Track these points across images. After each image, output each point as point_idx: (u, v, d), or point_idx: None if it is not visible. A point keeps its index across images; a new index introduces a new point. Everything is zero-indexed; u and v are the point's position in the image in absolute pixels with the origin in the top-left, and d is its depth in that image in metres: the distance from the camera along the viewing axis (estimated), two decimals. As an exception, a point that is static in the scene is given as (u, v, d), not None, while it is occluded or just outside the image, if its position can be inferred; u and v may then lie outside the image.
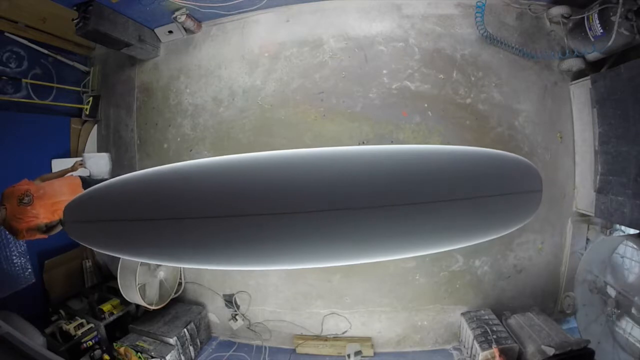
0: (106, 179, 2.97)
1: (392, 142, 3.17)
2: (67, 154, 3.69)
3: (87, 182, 2.77)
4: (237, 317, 3.53)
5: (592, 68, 2.99)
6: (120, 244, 1.27)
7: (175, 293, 3.50)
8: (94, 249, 1.51)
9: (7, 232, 2.31)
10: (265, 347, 3.47)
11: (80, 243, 1.38)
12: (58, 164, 3.42)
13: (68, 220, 1.35)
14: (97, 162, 3.24)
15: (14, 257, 3.06)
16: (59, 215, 2.35)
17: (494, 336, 2.80)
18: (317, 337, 3.41)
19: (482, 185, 1.15)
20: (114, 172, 3.79)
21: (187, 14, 3.36)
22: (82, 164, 2.82)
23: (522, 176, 1.24)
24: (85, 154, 3.71)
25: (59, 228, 2.31)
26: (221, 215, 1.07)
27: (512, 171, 1.24)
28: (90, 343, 2.99)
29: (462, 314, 3.21)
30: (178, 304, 3.59)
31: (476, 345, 2.81)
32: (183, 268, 3.58)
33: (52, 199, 2.36)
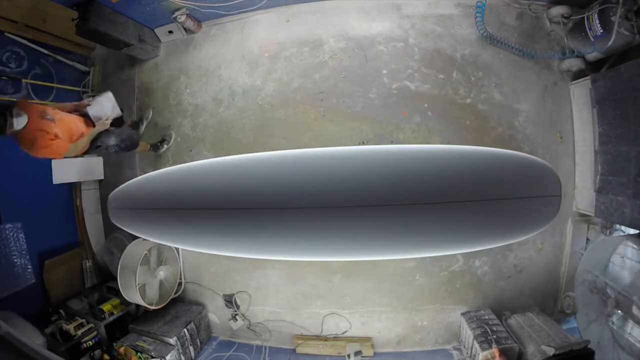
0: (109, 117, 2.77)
1: (392, 142, 3.17)
2: (67, 154, 3.68)
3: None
4: (237, 317, 3.53)
5: (592, 68, 2.99)
6: (153, 229, 1.60)
7: (175, 293, 3.50)
8: (133, 233, 1.75)
9: (19, 145, 2.14)
10: (265, 347, 3.47)
11: (121, 227, 1.68)
12: (58, 164, 3.41)
13: (111, 207, 1.69)
14: (104, 104, 2.86)
15: (14, 257, 3.06)
16: (75, 139, 2.39)
17: (494, 336, 2.80)
18: (317, 337, 3.41)
19: (500, 188, 1.14)
20: (112, 170, 3.80)
21: (187, 14, 3.35)
22: (89, 104, 2.70)
23: (541, 180, 1.23)
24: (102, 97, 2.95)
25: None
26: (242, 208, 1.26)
27: (530, 175, 1.23)
28: (90, 343, 2.99)
29: (462, 314, 3.21)
30: (178, 304, 3.59)
31: (476, 345, 2.81)
32: (183, 268, 3.59)
33: (69, 124, 2.36)
